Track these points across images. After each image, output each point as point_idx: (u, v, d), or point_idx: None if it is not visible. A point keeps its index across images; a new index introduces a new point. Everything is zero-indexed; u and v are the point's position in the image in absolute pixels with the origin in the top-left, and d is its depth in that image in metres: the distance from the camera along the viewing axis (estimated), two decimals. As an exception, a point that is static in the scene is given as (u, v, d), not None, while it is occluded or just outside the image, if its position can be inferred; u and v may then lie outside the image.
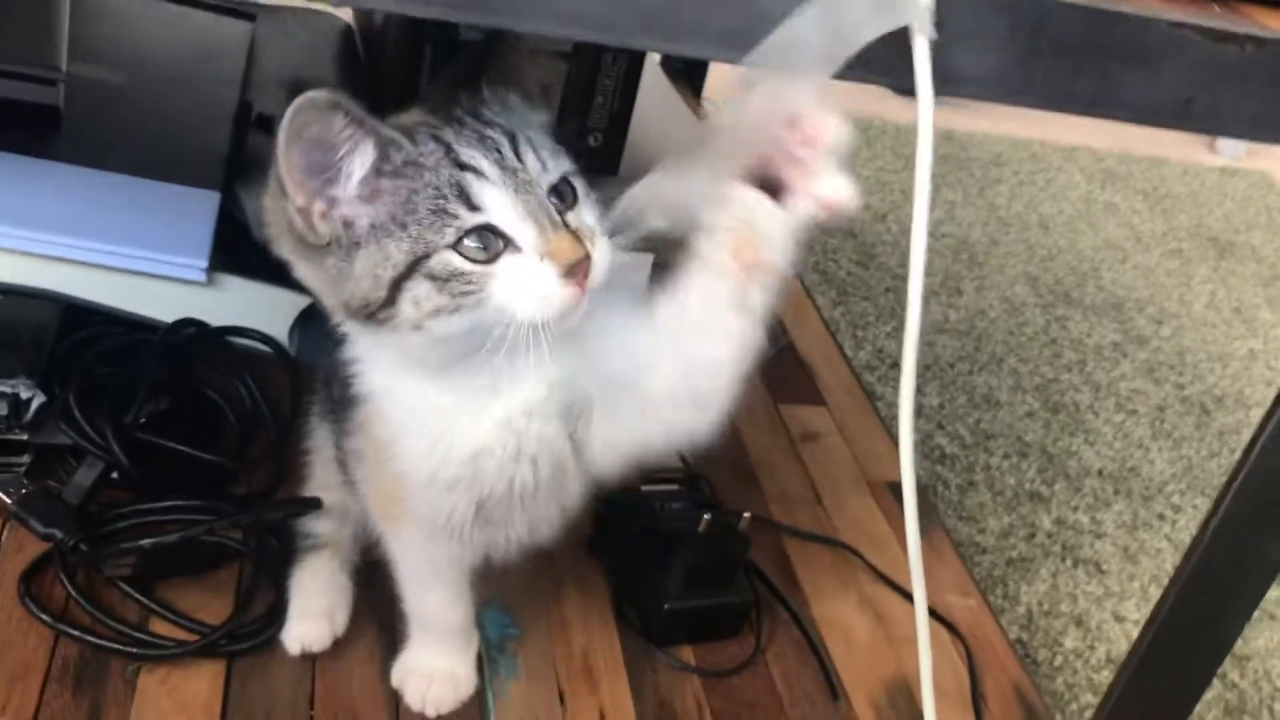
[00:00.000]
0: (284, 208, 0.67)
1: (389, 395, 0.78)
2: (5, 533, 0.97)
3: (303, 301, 1.13)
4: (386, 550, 0.89)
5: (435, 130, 0.69)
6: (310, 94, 0.64)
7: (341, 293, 0.70)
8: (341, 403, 0.86)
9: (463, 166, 0.68)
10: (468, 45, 1.01)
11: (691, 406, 0.76)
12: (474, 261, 0.67)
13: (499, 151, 0.69)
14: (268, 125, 1.35)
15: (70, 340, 1.07)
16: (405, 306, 0.68)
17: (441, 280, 0.67)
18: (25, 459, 1.00)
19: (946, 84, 0.58)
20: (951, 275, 2.23)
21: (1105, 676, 1.44)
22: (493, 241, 0.68)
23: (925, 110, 0.59)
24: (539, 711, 0.93)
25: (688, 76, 2.02)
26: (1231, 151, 3.12)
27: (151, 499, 0.99)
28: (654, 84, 1.62)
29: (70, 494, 0.99)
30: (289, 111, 0.63)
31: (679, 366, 0.74)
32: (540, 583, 1.02)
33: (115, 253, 1.07)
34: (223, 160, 1.22)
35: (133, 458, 0.99)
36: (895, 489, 1.26)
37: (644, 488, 1.06)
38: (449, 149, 0.68)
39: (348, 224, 0.68)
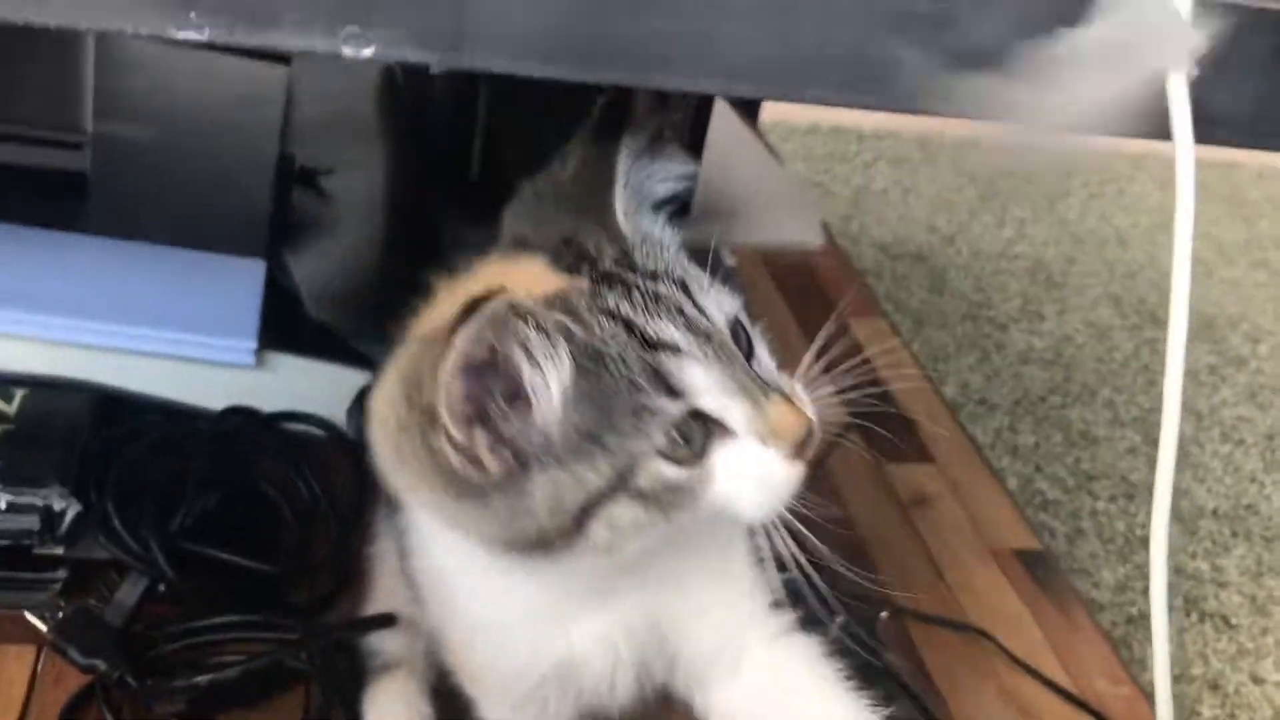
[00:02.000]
0: (431, 444, 0.53)
1: (466, 590, 0.65)
2: (41, 662, 0.86)
3: (361, 378, 1.02)
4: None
5: (598, 300, 0.55)
6: (492, 306, 0.50)
7: (508, 532, 0.55)
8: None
9: (653, 345, 0.54)
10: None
11: None
12: (684, 464, 0.53)
13: (682, 313, 0.55)
14: (311, 180, 1.24)
15: (106, 435, 0.96)
16: (598, 531, 0.54)
17: (650, 497, 0.53)
18: (61, 575, 0.90)
19: (1204, 130, 0.46)
20: (1031, 299, 2.10)
21: (1252, 748, 1.31)
22: (696, 432, 0.54)
23: (1186, 159, 0.47)
24: None
25: (745, 103, 1.91)
26: (1305, 152, 2.98)
27: (202, 614, 0.88)
28: (722, 117, 1.51)
29: (113, 615, 0.88)
30: (461, 334, 0.50)
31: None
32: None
33: (153, 337, 0.97)
34: (266, 222, 1.12)
35: (180, 569, 0.88)
36: (1023, 557, 1.15)
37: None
38: (630, 325, 0.54)
39: (516, 451, 0.54)
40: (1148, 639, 1.42)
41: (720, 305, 0.57)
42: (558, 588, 0.61)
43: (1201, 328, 2.11)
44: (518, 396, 0.53)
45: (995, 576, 1.11)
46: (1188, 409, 1.87)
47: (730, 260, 1.42)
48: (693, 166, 0.61)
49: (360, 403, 1.04)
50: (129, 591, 0.88)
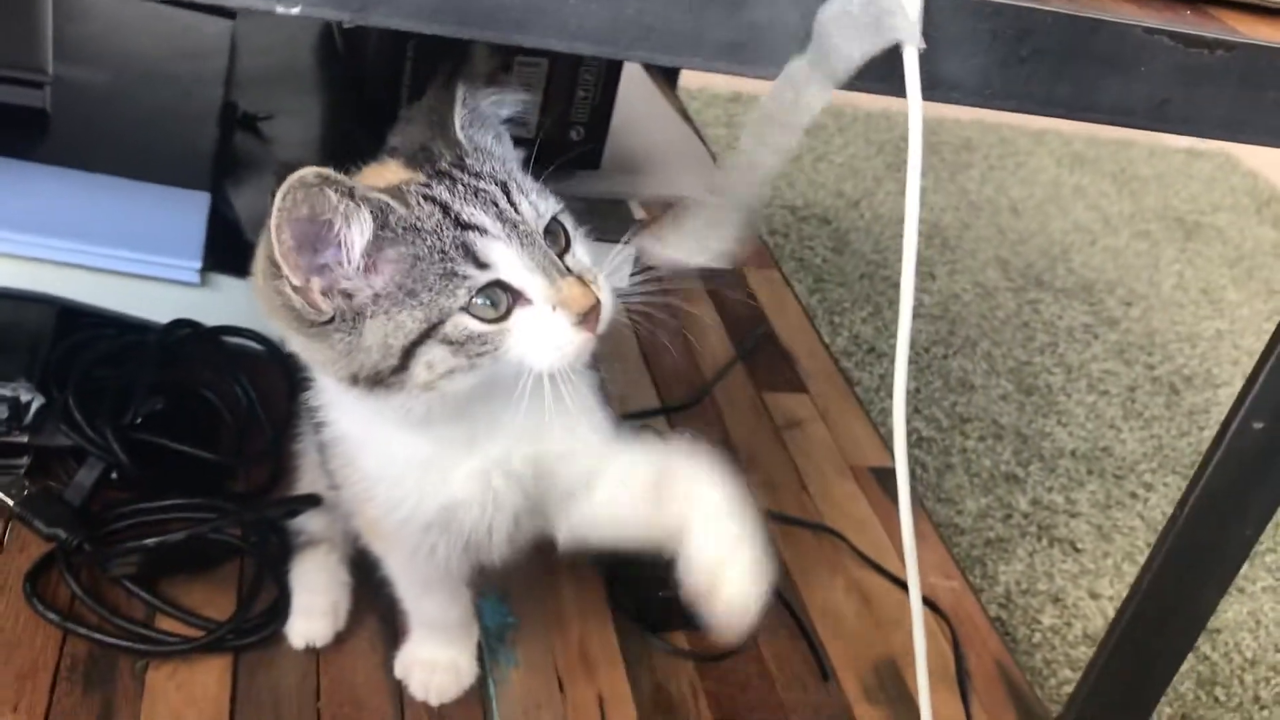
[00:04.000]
0: (278, 288, 0.67)
1: (362, 446, 0.79)
2: (8, 534, 0.99)
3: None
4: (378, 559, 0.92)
5: (426, 190, 0.69)
6: (299, 174, 0.64)
7: (349, 365, 0.69)
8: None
9: (465, 226, 0.68)
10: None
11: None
12: (486, 321, 0.68)
13: (496, 205, 0.70)
14: (252, 125, 1.37)
15: (66, 343, 1.08)
16: (418, 370, 0.68)
17: (457, 344, 0.67)
18: (25, 460, 1.02)
19: (934, 90, 0.61)
20: (925, 260, 2.26)
21: (1082, 652, 1.48)
22: (501, 297, 0.68)
23: (915, 115, 0.62)
24: (539, 699, 0.95)
25: (664, 70, 2.04)
26: (1196, 133, 3.16)
27: (152, 498, 1.01)
28: (634, 78, 1.64)
29: (72, 494, 1.00)
30: (279, 194, 0.64)
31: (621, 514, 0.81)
32: (536, 574, 1.04)
33: (109, 255, 1.09)
34: (211, 160, 1.24)
35: (132, 457, 1.01)
36: (877, 474, 1.30)
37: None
38: (446, 208, 0.69)
39: (349, 296, 0.68)
40: (1001, 559, 1.60)
41: (536, 207, 0.71)
42: (427, 434, 0.75)
43: (1080, 290, 2.28)
44: (337, 250, 0.67)
45: (852, 489, 1.27)
46: (1059, 362, 2.05)
47: (640, 214, 1.56)
48: (524, 96, 0.77)
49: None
50: (86, 475, 1.01)
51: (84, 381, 1.04)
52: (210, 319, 1.14)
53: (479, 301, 0.68)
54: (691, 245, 0.70)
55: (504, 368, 0.69)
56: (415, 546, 0.82)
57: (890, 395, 1.85)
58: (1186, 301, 2.34)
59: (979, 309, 2.15)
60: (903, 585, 1.15)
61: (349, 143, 1.33)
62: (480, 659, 0.97)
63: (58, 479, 1.02)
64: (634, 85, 1.64)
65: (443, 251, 0.67)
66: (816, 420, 1.36)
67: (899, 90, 0.61)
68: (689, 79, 2.34)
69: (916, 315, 2.08)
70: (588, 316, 0.69)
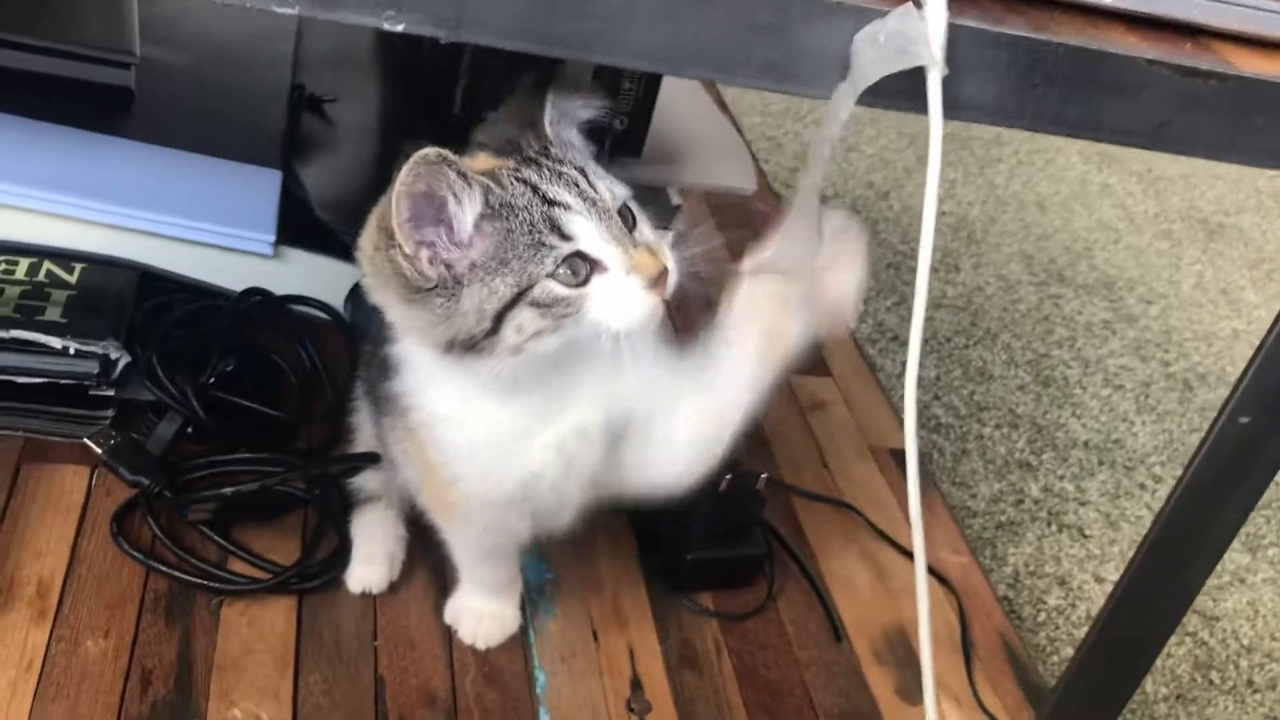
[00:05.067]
0: (390, 256, 0.75)
1: (449, 424, 0.86)
2: (95, 479, 1.08)
3: (357, 273, 1.23)
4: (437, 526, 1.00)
5: (516, 172, 0.78)
6: (423, 152, 0.71)
7: (447, 330, 0.77)
8: (384, 398, 0.95)
9: (551, 203, 0.76)
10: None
11: (702, 451, 0.89)
12: (569, 286, 0.76)
13: (577, 185, 0.78)
14: (318, 106, 1.45)
15: (147, 306, 1.17)
16: (508, 333, 0.76)
17: (544, 306, 0.75)
18: (111, 413, 1.11)
19: (955, 110, 0.68)
20: (950, 252, 2.33)
21: (1084, 632, 1.55)
22: (581, 266, 0.76)
23: (936, 132, 0.69)
24: (575, 647, 1.04)
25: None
26: (1225, 135, 3.20)
27: (224, 452, 1.10)
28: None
29: (153, 445, 1.09)
30: (404, 170, 0.71)
31: (701, 422, 0.88)
32: (574, 536, 1.13)
33: (189, 226, 1.18)
34: (281, 139, 1.32)
35: (208, 413, 1.10)
36: (896, 455, 1.37)
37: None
38: (535, 187, 0.77)
39: (449, 266, 0.75)
40: (1011, 541, 1.68)
41: (611, 190, 0.79)
42: (511, 404, 0.83)
43: (1101, 286, 2.35)
44: (450, 226, 0.75)
45: (870, 468, 1.34)
46: (1077, 356, 2.12)
47: (676, 199, 1.64)
48: (605, 102, 0.86)
49: (355, 292, 1.26)
50: (167, 428, 1.10)
51: (165, 342, 1.13)
52: (280, 288, 1.22)
53: (563, 270, 0.76)
54: (797, 253, 0.79)
55: (584, 329, 0.77)
56: (488, 523, 0.91)
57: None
58: (1205, 301, 2.40)
59: (1001, 301, 2.22)
60: (912, 557, 1.23)
61: (410, 128, 1.42)
62: (523, 609, 1.05)
63: (139, 431, 1.11)
64: (677, 79, 1.71)
65: (532, 225, 0.76)
66: (839, 403, 1.44)
67: (922, 109, 0.68)
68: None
69: (939, 305, 2.16)
70: (658, 280, 0.77)
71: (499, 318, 0.76)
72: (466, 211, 0.75)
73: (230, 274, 1.20)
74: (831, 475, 1.32)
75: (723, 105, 1.98)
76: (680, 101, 1.71)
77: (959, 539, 1.29)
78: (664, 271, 0.78)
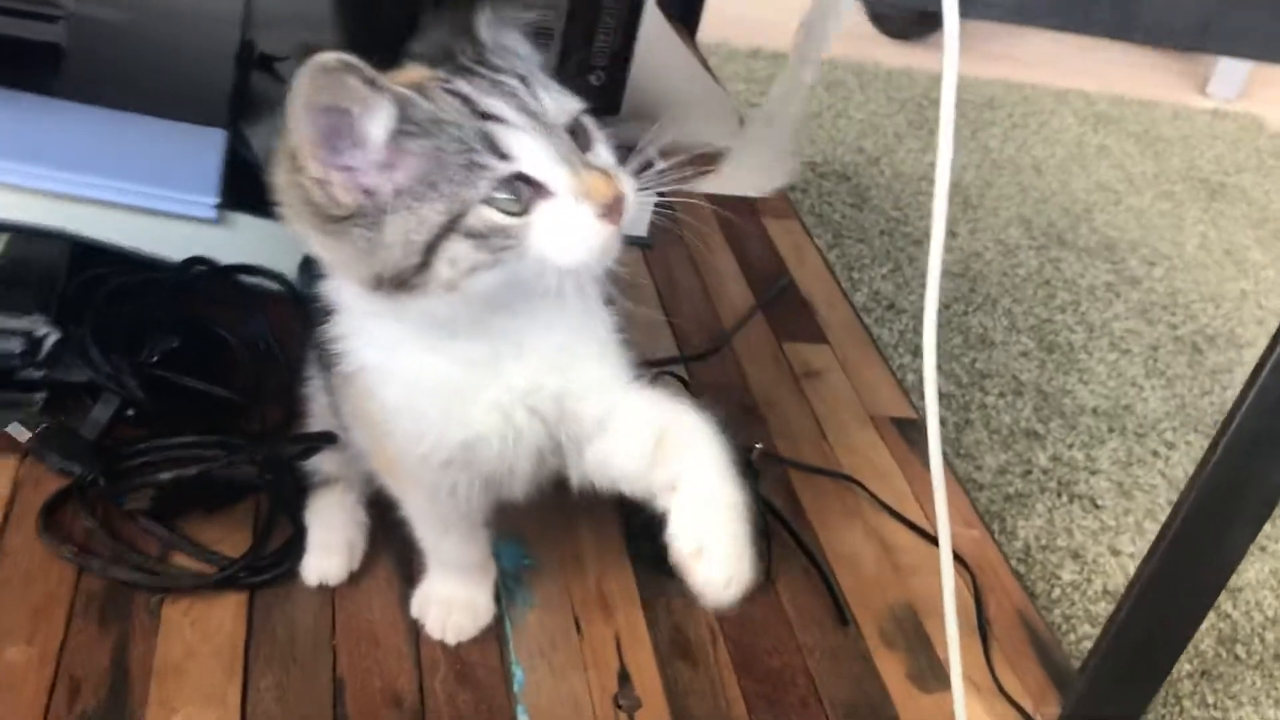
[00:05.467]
0: (299, 182, 0.66)
1: (382, 373, 0.77)
2: (23, 468, 0.98)
3: (311, 239, 1.14)
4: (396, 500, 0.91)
5: (447, 84, 0.68)
6: (319, 58, 0.62)
7: (372, 265, 0.67)
8: (331, 365, 0.86)
9: (485, 116, 0.67)
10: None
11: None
12: (509, 214, 0.66)
13: (516, 96, 0.68)
14: (269, 64, 1.35)
15: (80, 279, 1.07)
16: (441, 268, 0.67)
17: (480, 237, 0.66)
18: (40, 396, 1.01)
19: (973, 8, 0.59)
20: (947, 219, 2.23)
21: (1102, 608, 1.47)
22: (523, 190, 0.66)
23: (951, 36, 0.60)
24: (556, 638, 0.95)
25: (683, 18, 2.02)
26: (1222, 94, 3.12)
27: (167, 435, 1.01)
28: (654, 25, 1.62)
29: (88, 430, 1.00)
30: (297, 78, 0.62)
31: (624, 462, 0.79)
32: (553, 515, 1.03)
33: (125, 190, 1.08)
34: (227, 98, 1.23)
35: (148, 394, 1.00)
36: (897, 423, 1.28)
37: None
38: (467, 100, 0.67)
39: (370, 192, 0.66)
40: (1020, 514, 1.59)
41: (560, 104, 0.69)
42: (450, 353, 0.74)
43: (1102, 249, 2.26)
44: (358, 141, 0.65)
45: (872, 438, 1.25)
46: (1081, 320, 2.03)
47: (660, 162, 1.54)
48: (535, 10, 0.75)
49: (309, 260, 1.16)
50: (102, 410, 1.00)
51: (100, 318, 1.04)
52: (227, 257, 1.13)
53: (501, 195, 0.66)
54: (756, 175, 0.68)
55: (528, 266, 0.68)
56: (435, 484, 0.81)
57: (910, 351, 1.84)
58: (1210, 262, 2.32)
59: (1000, 266, 2.13)
60: (922, 532, 1.14)
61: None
62: (497, 599, 0.96)
63: (74, 415, 1.01)
64: (654, 32, 1.62)
65: (462, 142, 0.66)
66: (836, 370, 1.35)
67: (936, 5, 0.59)
68: (707, 33, 2.31)
69: (937, 272, 2.06)
70: (612, 209, 0.67)
71: (429, 249, 0.66)
72: (378, 125, 0.65)
73: (171, 242, 1.11)
74: (830, 446, 1.23)
75: (705, 66, 1.88)
76: (659, 55, 1.62)
77: (970, 511, 1.20)
78: (620, 198, 0.68)
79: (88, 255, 1.09)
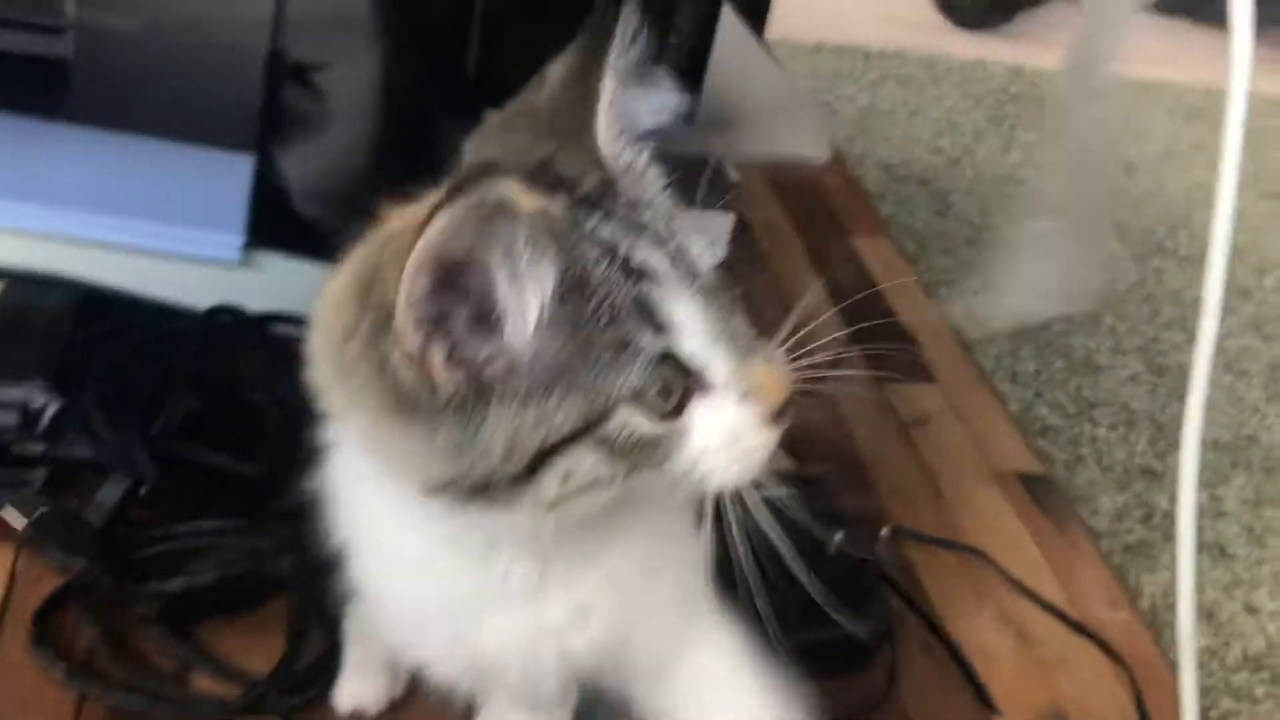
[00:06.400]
0: (381, 351, 0.48)
1: (372, 551, 0.61)
2: (21, 562, 0.84)
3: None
4: None
5: (579, 224, 0.50)
6: (481, 190, 0.44)
7: (450, 468, 0.49)
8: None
9: (638, 275, 0.49)
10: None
11: None
12: (660, 416, 0.49)
13: (666, 245, 0.50)
14: (303, 75, 1.21)
15: (88, 332, 0.94)
16: (548, 483, 0.49)
17: (617, 447, 0.48)
18: (40, 474, 0.87)
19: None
20: (1035, 224, 2.07)
21: (1244, 678, 1.30)
22: (674, 379, 0.49)
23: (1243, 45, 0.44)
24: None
25: (750, 14, 1.87)
26: (1318, 83, 2.93)
27: (185, 517, 0.87)
28: (729, 29, 1.47)
29: (93, 514, 0.86)
30: (436, 223, 0.44)
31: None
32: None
33: (138, 230, 0.94)
34: (256, 117, 1.09)
35: (163, 471, 0.86)
36: (1025, 481, 1.13)
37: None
38: (612, 251, 0.49)
39: (472, 371, 0.48)
40: (1144, 568, 1.42)
41: (703, 251, 0.52)
42: (483, 561, 0.57)
43: (1205, 257, 2.09)
44: (487, 312, 0.48)
45: (995, 498, 1.11)
46: (1191, 338, 1.84)
47: (734, 175, 1.39)
48: (684, 97, 0.56)
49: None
50: (110, 492, 0.87)
51: (108, 380, 0.90)
52: (254, 305, 0.99)
53: (651, 392, 0.49)
54: (1038, 292, 0.51)
55: (660, 482, 0.51)
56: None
57: (1008, 378, 1.68)
58: (1325, 269, 2.14)
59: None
60: (1062, 616, 0.99)
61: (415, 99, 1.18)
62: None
63: (79, 493, 0.87)
64: (730, 33, 1.46)
65: (613, 311, 0.48)
66: (948, 415, 1.20)
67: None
68: (770, 29, 2.17)
69: (1029, 286, 1.90)
70: (781, 412, 0.51)
71: (542, 457, 0.49)
72: (531, 302, 0.47)
73: (191, 288, 0.97)
74: (948, 509, 1.07)
75: (777, 63, 1.72)
76: (735, 57, 1.46)
77: (1116, 587, 1.04)
78: (790, 399, 0.51)
79: (94, 304, 0.95)
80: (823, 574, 0.85)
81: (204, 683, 0.78)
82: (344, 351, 0.50)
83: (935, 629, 0.93)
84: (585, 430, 0.48)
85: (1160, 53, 2.87)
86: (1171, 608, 1.38)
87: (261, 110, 1.10)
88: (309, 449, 0.86)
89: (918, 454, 1.13)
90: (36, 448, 0.87)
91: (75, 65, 1.07)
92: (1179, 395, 1.70)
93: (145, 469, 0.85)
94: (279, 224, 0.97)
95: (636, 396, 0.48)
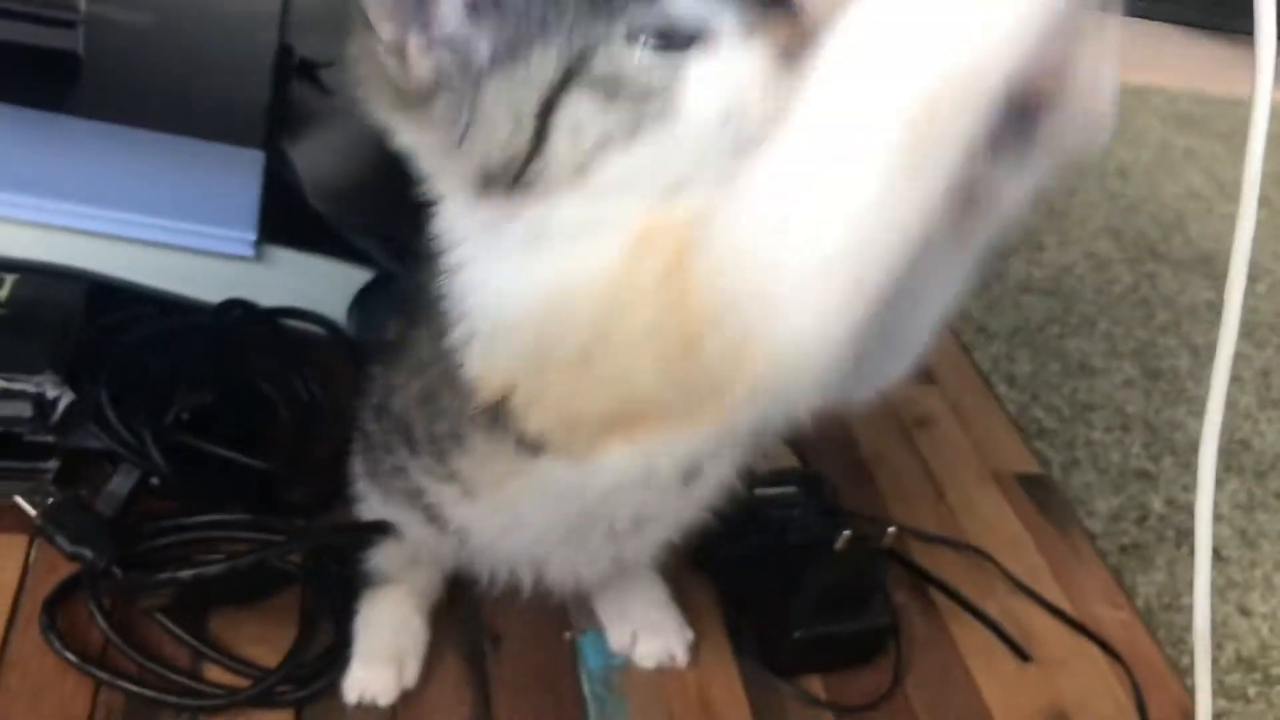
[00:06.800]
0: (373, 50, 0.52)
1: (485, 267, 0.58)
2: (34, 551, 0.84)
3: (363, 276, 1.00)
4: None
5: None
6: None
7: (474, 154, 0.52)
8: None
9: None
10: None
11: None
12: (652, 53, 0.50)
13: None
14: (312, 72, 1.21)
15: (100, 326, 0.93)
16: (560, 144, 0.51)
17: (611, 91, 0.49)
18: (53, 464, 0.87)
19: None
20: (1032, 229, 2.08)
21: (1237, 680, 1.31)
22: (665, 22, 0.50)
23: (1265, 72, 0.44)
24: (654, 760, 0.80)
25: None
26: (1310, 91, 2.95)
27: (195, 510, 0.87)
28: None
29: (104, 505, 0.86)
30: None
31: None
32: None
33: (149, 225, 0.94)
34: (265, 112, 1.09)
35: (174, 463, 0.86)
36: (1025, 482, 1.14)
37: (757, 491, 0.92)
38: None
39: (456, 52, 0.51)
40: (1139, 569, 1.43)
41: None
42: None
43: (1199, 262, 2.10)
44: None
45: (996, 499, 1.11)
46: (1184, 342, 1.86)
47: None
48: None
49: (361, 301, 1.02)
50: (121, 483, 0.86)
51: (120, 371, 0.90)
52: (266, 299, 0.99)
53: (638, 30, 0.50)
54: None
55: (677, 140, 0.51)
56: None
57: (1005, 381, 1.69)
58: (1317, 275, 2.16)
59: (1093, 283, 1.97)
60: (1061, 614, 1.00)
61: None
62: (582, 712, 0.81)
63: (90, 483, 0.87)
64: None
65: None
66: (948, 416, 1.20)
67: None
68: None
69: (1026, 289, 1.91)
70: (789, 49, 0.50)
71: (544, 116, 0.50)
72: None
73: (204, 283, 0.97)
74: (950, 509, 1.08)
75: None
76: None
77: (1115, 587, 1.05)
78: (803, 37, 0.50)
79: (106, 297, 0.95)
80: (829, 572, 0.87)
81: (214, 673, 0.78)
82: (357, 58, 0.55)
83: (960, 600, 0.93)
84: (572, 76, 0.50)
85: (1150, 57, 2.89)
86: (1167, 608, 1.39)
87: (270, 106, 1.10)
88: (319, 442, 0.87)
89: (920, 455, 1.14)
90: (49, 438, 0.86)
91: (87, 59, 1.07)
92: (1172, 399, 1.72)
93: (156, 460, 0.85)
94: (291, 220, 0.97)
95: (625, 37, 0.49)
